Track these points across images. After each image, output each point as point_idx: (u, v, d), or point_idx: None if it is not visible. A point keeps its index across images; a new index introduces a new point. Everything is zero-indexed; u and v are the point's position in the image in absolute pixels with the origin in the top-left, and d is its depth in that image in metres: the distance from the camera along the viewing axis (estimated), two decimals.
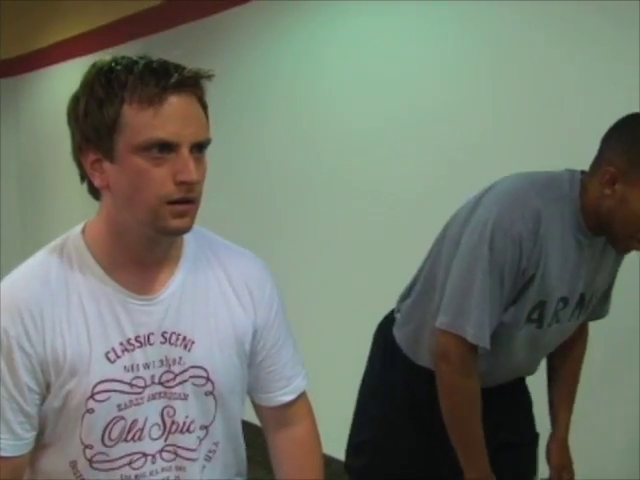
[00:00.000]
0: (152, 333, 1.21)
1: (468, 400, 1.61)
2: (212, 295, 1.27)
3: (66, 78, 5.23)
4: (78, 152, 1.16)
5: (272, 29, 3.62)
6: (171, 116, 1.10)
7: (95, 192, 1.20)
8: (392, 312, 1.89)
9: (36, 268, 1.20)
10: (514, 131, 2.63)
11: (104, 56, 1.18)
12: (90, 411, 1.17)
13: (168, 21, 4.21)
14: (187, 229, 1.17)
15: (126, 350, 1.19)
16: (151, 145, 1.10)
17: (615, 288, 1.82)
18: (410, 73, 2.99)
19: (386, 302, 3.08)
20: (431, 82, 2.92)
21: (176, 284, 1.24)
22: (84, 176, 1.19)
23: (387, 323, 1.88)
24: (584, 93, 2.42)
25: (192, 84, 1.13)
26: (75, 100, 1.15)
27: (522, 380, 1.88)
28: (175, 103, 1.10)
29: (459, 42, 2.80)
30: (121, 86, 1.10)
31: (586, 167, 1.63)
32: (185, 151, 1.11)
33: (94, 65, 1.15)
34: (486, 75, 2.71)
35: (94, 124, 1.12)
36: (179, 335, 1.23)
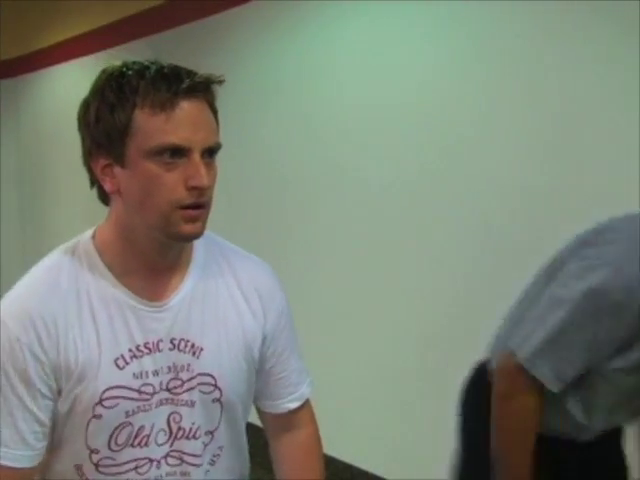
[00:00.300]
0: (161, 340, 1.20)
1: (522, 418, 1.54)
2: (222, 301, 1.26)
3: (67, 79, 5.22)
4: (88, 157, 1.16)
5: (274, 29, 3.61)
6: (183, 121, 1.10)
7: (105, 197, 1.20)
8: (482, 364, 1.79)
9: (47, 273, 1.20)
10: (515, 131, 2.62)
11: (111, 59, 1.18)
12: (97, 417, 1.17)
13: (170, 21, 4.19)
14: (199, 234, 1.16)
15: (135, 357, 1.19)
16: (163, 150, 1.10)
17: None
18: (413, 72, 2.98)
19: (388, 305, 3.09)
20: (433, 82, 2.91)
21: (186, 290, 1.23)
22: (94, 181, 1.18)
23: (479, 375, 1.79)
24: (582, 93, 2.41)
25: (203, 89, 1.13)
26: (85, 106, 1.15)
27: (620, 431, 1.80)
28: (186, 108, 1.10)
29: (459, 42, 2.80)
30: (133, 91, 1.10)
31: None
32: (196, 156, 1.11)
33: (104, 71, 1.15)
34: (485, 75, 2.70)
35: (105, 129, 1.11)
36: (188, 342, 1.22)
